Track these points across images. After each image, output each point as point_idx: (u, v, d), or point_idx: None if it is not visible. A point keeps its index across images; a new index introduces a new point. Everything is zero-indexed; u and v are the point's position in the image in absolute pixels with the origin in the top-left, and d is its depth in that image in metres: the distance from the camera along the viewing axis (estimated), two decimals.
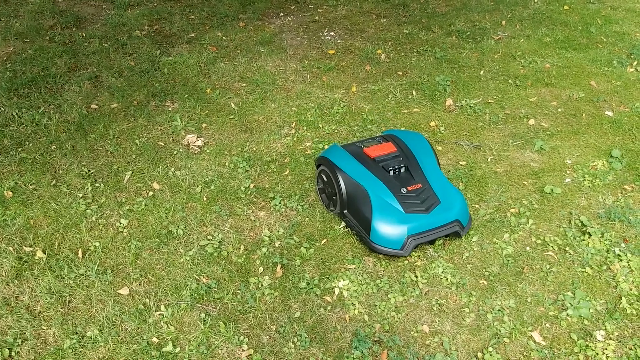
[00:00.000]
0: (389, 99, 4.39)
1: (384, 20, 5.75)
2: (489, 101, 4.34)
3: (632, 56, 4.94)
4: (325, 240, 3.08)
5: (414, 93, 4.46)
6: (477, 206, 3.32)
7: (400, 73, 4.75)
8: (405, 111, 4.23)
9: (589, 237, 3.10)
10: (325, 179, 3.22)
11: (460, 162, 3.70)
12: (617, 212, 3.26)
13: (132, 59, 4.94)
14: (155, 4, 6.02)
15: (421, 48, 5.14)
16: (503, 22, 5.64)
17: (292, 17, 5.85)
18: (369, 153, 3.18)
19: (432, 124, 4.06)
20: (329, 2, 6.16)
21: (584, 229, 3.15)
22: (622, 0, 6.11)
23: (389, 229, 2.88)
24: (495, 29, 5.50)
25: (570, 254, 3.02)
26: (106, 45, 5.15)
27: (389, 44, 5.24)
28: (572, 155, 3.77)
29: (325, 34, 5.48)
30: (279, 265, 2.90)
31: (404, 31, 5.47)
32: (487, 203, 3.34)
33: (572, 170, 3.64)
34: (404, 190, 2.99)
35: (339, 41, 5.32)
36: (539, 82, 4.60)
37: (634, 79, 4.61)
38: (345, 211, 3.11)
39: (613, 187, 3.50)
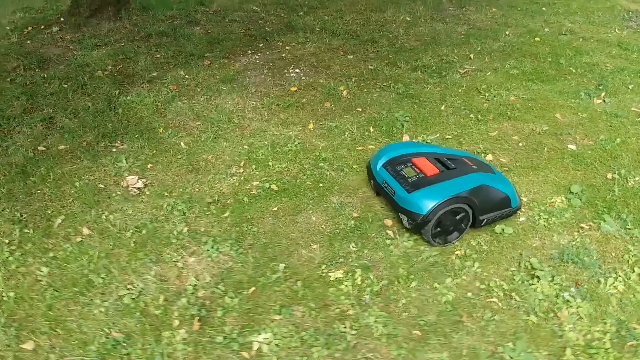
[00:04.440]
0: (345, 135, 4.25)
1: (351, 56, 5.67)
2: (447, 137, 4.18)
3: (600, 87, 4.80)
4: (254, 288, 2.89)
5: (371, 129, 4.32)
6: (421, 248, 3.12)
7: (360, 109, 4.62)
8: (360, 148, 4.09)
9: (538, 281, 2.89)
10: (447, 219, 3.07)
11: None
12: (571, 252, 3.06)
13: (90, 99, 4.86)
14: (123, 44, 5.99)
15: (384, 84, 5.03)
16: (471, 55, 5.54)
17: (259, 54, 5.79)
18: (430, 172, 3.17)
19: None
20: (298, 39, 6.10)
21: (534, 272, 2.94)
22: (594, 31, 6.01)
23: (513, 188, 3.30)
24: (463, 63, 5.39)
25: (515, 300, 2.80)
26: (66, 86, 5.09)
27: (353, 80, 5.14)
28: (529, 192, 3.59)
29: (290, 71, 5.39)
30: (197, 318, 2.70)
31: (369, 67, 5.38)
32: (431, 245, 3.15)
33: (527, 208, 3.44)
34: (474, 167, 3.28)
35: (303, 78, 5.23)
36: (502, 116, 4.44)
37: (600, 111, 4.45)
38: (481, 217, 3.13)
39: (570, 225, 3.30)
